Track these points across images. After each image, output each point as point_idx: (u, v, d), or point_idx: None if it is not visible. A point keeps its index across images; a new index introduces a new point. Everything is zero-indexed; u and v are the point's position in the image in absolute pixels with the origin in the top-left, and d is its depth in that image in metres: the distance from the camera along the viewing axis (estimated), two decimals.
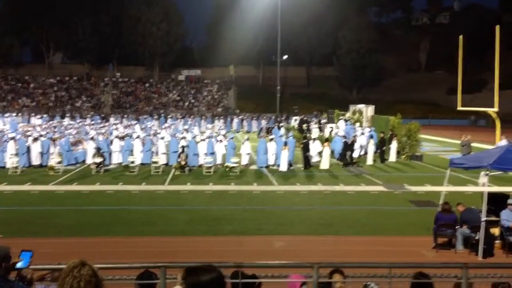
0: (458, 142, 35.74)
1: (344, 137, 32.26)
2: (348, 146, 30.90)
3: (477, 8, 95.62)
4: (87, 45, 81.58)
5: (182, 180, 24.77)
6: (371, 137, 32.97)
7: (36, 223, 16.55)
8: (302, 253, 13.46)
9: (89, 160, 28.63)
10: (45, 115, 56.91)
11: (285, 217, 17.87)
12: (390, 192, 22.65)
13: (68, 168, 27.63)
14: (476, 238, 13.55)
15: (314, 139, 31.83)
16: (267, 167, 28.75)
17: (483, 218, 13.50)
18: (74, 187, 22.85)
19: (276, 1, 61.29)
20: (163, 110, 70.25)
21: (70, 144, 29.92)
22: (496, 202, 14.71)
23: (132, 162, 27.39)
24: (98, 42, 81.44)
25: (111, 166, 28.49)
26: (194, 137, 31.65)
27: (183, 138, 30.37)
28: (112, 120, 53.54)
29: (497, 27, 28.45)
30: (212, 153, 28.43)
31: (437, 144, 45.14)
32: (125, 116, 61.28)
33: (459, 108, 31.28)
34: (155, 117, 59.44)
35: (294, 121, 52.65)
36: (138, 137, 30.67)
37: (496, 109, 29.84)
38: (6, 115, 53.52)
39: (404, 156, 33.26)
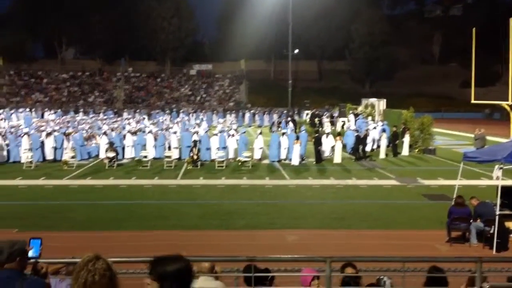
0: (472, 135, 35.45)
1: (357, 131, 32.15)
2: (361, 140, 30.79)
3: (490, 0, 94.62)
4: (99, 40, 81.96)
5: (194, 175, 24.83)
6: (384, 131, 32.82)
7: (50, 217, 16.69)
8: (314, 247, 13.45)
9: (102, 154, 28.81)
10: (58, 110, 57.32)
11: (297, 211, 17.85)
12: (403, 186, 22.55)
13: (82, 162, 27.81)
14: (491, 232, 13.45)
15: (328, 134, 31.74)
16: (279, 161, 28.73)
17: (497, 211, 13.40)
18: (88, 181, 23.00)
19: None
20: (175, 105, 70.42)
21: (83, 139, 30.13)
22: (510, 195, 14.57)
23: (145, 157, 27.51)
24: (110, 37, 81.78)
25: (124, 161, 28.65)
26: (207, 131, 31.72)
27: (196, 132, 30.45)
28: (125, 115, 53.82)
29: (511, 19, 28.14)
30: (224, 148, 28.47)
31: (450, 137, 44.83)
32: (138, 111, 61.55)
33: (473, 101, 31.03)
34: (167, 111, 59.62)
35: (306, 115, 52.58)
36: (150, 132, 30.79)
37: (510, 102, 29.54)
38: (20, 110, 54.00)
39: (417, 150, 33.07)
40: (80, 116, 49.89)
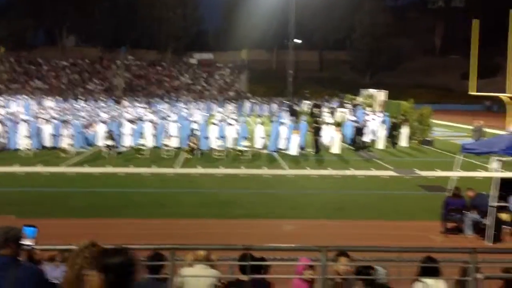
0: (470, 127, 35.48)
1: (356, 121, 32.14)
2: (359, 131, 30.80)
3: None
4: (101, 28, 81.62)
5: (193, 163, 24.86)
6: (384, 122, 32.83)
7: (47, 204, 16.74)
8: (311, 237, 13.50)
9: (100, 142, 28.80)
10: (58, 98, 57.18)
11: (295, 201, 17.91)
12: (400, 177, 22.60)
13: (80, 150, 27.82)
14: (486, 223, 13.50)
15: (328, 124, 31.74)
16: (277, 151, 28.74)
17: (493, 203, 13.45)
18: (85, 169, 23.02)
19: None
20: (175, 94, 70.29)
21: (83, 127, 30.13)
22: (507, 187, 14.61)
23: (143, 145, 27.52)
24: (111, 25, 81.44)
25: (122, 149, 28.65)
26: (206, 120, 31.71)
27: (195, 121, 30.40)
28: (125, 103, 53.68)
29: (511, 11, 28.09)
30: (223, 137, 28.46)
31: (448, 129, 44.82)
32: (137, 99, 61.43)
33: (471, 92, 31.03)
34: (166, 100, 59.51)
35: (306, 106, 52.57)
36: (149, 120, 30.76)
37: (509, 94, 29.57)
38: (19, 97, 53.89)
39: (415, 141, 33.10)
40: (80, 103, 49.76)
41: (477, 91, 32.80)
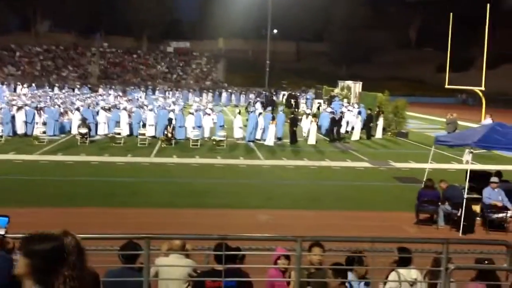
0: (444, 120, 35.94)
1: (332, 113, 32.29)
2: (335, 122, 30.95)
3: None
4: (74, 13, 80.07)
5: (168, 153, 24.72)
6: (359, 113, 33.06)
7: (19, 192, 16.49)
8: (286, 227, 13.55)
9: (75, 130, 28.43)
10: (32, 85, 56.22)
11: (271, 191, 17.96)
12: (375, 168, 22.82)
13: (53, 138, 27.42)
14: (458, 214, 13.72)
15: (308, 115, 31.82)
16: (253, 141, 28.75)
17: (465, 195, 13.67)
18: (59, 157, 22.71)
19: None
20: (150, 82, 69.71)
21: (59, 114, 29.72)
22: (479, 179, 14.87)
23: (119, 134, 27.25)
24: (85, 10, 79.99)
25: (96, 137, 28.34)
26: (181, 109, 31.52)
27: (172, 110, 30.22)
28: (100, 91, 53.05)
29: (488, 5, 28.43)
30: (199, 127, 28.35)
31: (423, 121, 45.38)
32: (113, 87, 60.75)
33: (447, 86, 31.40)
34: (142, 89, 59.00)
35: (282, 96, 52.64)
36: (124, 108, 30.46)
37: (482, 87, 30.00)
38: None
39: (390, 133, 33.42)
40: (55, 91, 49.05)
41: (452, 84, 33.19)
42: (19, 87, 53.04)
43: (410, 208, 14.69)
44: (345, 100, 40.13)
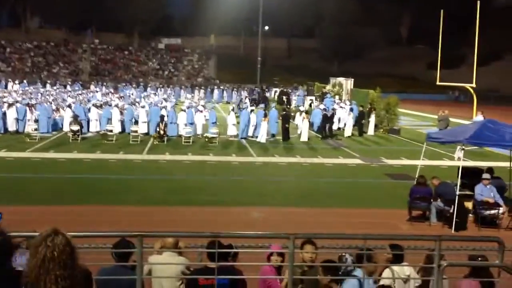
0: (436, 116, 36.09)
1: (324, 109, 32.31)
2: (328, 119, 30.98)
3: None
4: (65, 9, 79.62)
5: (160, 150, 24.66)
6: (351, 110, 33.12)
7: (11, 190, 16.37)
8: (279, 224, 13.56)
9: (66, 127, 28.29)
10: (24, 81, 55.89)
11: (262, 188, 17.96)
12: (367, 165, 22.88)
13: (45, 135, 27.27)
14: (450, 211, 13.77)
15: (301, 112, 31.81)
16: (246, 138, 28.73)
17: (457, 192, 13.73)
18: (51, 154, 22.60)
19: None
20: (142, 79, 69.49)
21: (52, 111, 29.58)
22: (470, 176, 14.94)
23: (110, 131, 27.15)
24: (76, 6, 79.55)
25: (88, 134, 28.22)
26: (173, 106, 31.44)
27: (164, 107, 30.14)
28: (92, 87, 52.84)
29: (478, 2, 28.55)
30: (192, 124, 28.29)
31: (415, 118, 45.55)
32: (104, 84, 60.53)
33: (438, 83, 31.52)
34: (134, 85, 58.82)
35: (274, 93, 52.71)
36: (116, 105, 30.34)
37: (473, 84, 30.13)
38: None
39: (382, 130, 33.52)
40: (47, 87, 48.78)
41: (443, 81, 33.34)
42: (10, 84, 52.72)
43: (403, 205, 14.73)
44: (337, 97, 40.18)
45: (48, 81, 57.82)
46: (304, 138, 29.11)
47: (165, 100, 37.14)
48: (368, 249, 6.94)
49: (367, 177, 20.46)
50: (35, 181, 17.81)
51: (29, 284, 3.32)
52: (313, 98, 41.44)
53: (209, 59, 79.32)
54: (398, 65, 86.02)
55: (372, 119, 32.78)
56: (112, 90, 48.94)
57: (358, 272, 6.61)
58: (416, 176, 15.20)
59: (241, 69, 77.56)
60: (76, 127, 26.59)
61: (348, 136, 31.32)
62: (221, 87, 62.64)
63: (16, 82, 53.79)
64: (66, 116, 28.92)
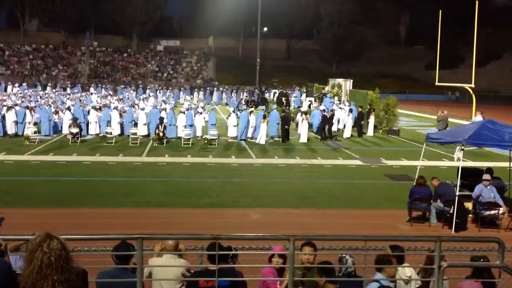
0: (435, 117, 36.10)
1: (324, 110, 32.31)
2: (327, 120, 30.97)
3: None
4: (63, 12, 79.74)
5: (160, 152, 24.65)
6: (351, 111, 33.12)
7: (11, 193, 16.36)
8: (278, 225, 13.56)
9: (66, 130, 28.28)
10: (23, 84, 55.86)
11: (262, 190, 17.94)
12: (366, 166, 22.87)
13: (44, 138, 27.25)
14: (450, 212, 13.78)
15: (302, 113, 31.81)
16: (245, 140, 28.73)
17: (457, 192, 13.73)
18: (50, 157, 22.58)
19: None
20: (141, 81, 69.48)
21: (53, 113, 29.58)
22: (470, 176, 14.95)
23: (110, 133, 27.14)
24: (74, 8, 79.67)
25: (88, 137, 28.21)
26: (172, 108, 31.44)
27: (163, 109, 30.14)
28: (92, 90, 52.85)
29: (476, 3, 28.57)
30: (191, 125, 28.28)
31: (414, 119, 45.56)
32: (104, 86, 60.52)
33: (437, 83, 31.53)
34: (133, 88, 58.80)
35: (273, 95, 52.75)
36: (115, 107, 30.32)
37: (472, 85, 30.15)
38: None
39: (381, 131, 33.52)
40: (47, 90, 48.77)
41: (442, 82, 33.36)
42: (9, 87, 52.71)
43: (402, 205, 14.74)
44: (336, 98, 40.21)
45: (49, 84, 57.81)
46: (303, 139, 29.11)
47: (164, 102, 37.13)
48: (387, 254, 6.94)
49: (366, 178, 20.45)
50: (35, 184, 17.80)
51: None
52: (312, 99, 41.44)
53: (208, 61, 79.32)
54: (397, 66, 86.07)
55: (371, 120, 32.78)
56: (111, 92, 48.94)
57: (379, 276, 6.60)
58: (416, 177, 15.21)
59: (240, 70, 77.58)
60: (75, 130, 26.58)
61: (348, 137, 31.33)
62: (220, 89, 62.62)
63: (16, 85, 53.77)
64: (65, 118, 28.90)
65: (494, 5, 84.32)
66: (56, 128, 29.40)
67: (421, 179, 14.64)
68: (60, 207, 14.97)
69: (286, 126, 29.24)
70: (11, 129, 27.71)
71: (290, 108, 40.03)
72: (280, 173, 20.92)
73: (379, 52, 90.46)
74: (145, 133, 28.25)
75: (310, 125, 31.32)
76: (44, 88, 52.90)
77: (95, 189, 17.31)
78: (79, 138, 26.53)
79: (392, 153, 26.30)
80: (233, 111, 30.37)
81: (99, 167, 21.07)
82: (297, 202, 16.45)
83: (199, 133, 28.67)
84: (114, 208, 15.00)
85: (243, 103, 47.43)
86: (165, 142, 26.65)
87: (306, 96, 43.15)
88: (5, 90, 51.12)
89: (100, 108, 30.38)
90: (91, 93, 45.50)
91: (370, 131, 32.72)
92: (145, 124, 28.62)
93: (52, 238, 3.38)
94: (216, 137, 27.09)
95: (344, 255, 6.96)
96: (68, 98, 37.97)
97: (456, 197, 13.66)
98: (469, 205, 14.40)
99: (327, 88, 45.02)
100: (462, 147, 14.41)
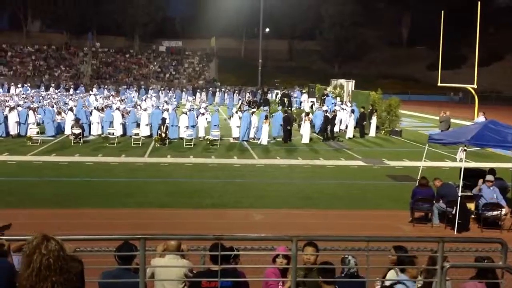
0: (437, 118, 36.06)
1: (326, 111, 32.30)
2: (329, 121, 30.96)
3: None
4: (66, 13, 79.90)
5: (162, 153, 24.67)
6: (353, 112, 33.11)
7: (14, 194, 16.39)
8: (281, 226, 13.56)
9: (68, 131, 28.31)
10: (26, 85, 55.97)
11: (265, 190, 17.94)
12: (369, 167, 22.86)
13: (47, 138, 27.29)
14: (452, 212, 13.76)
15: (307, 113, 31.79)
16: (247, 140, 28.73)
17: (459, 193, 13.71)
18: (53, 158, 22.61)
19: None
20: (143, 82, 69.56)
21: (56, 114, 29.64)
22: (473, 177, 14.93)
23: (112, 134, 27.17)
24: (77, 9, 79.82)
25: (90, 138, 28.24)
26: (174, 109, 31.46)
27: (165, 110, 30.17)
28: (94, 91, 52.92)
29: (478, 3, 28.53)
30: (193, 126, 28.30)
31: (416, 119, 45.52)
32: (106, 87, 60.60)
33: (439, 84, 31.49)
34: (135, 88, 58.86)
35: (276, 95, 52.77)
36: (118, 108, 30.36)
37: (474, 85, 30.10)
38: None
39: (383, 131, 33.50)
40: (50, 91, 48.86)
41: (444, 82, 33.32)
42: (12, 88, 52.82)
43: (405, 206, 14.72)
44: (338, 99, 40.20)
45: (52, 85, 57.92)
46: (305, 140, 29.10)
47: (166, 102, 37.17)
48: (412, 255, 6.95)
49: (368, 178, 20.43)
50: (37, 185, 17.82)
51: None
52: (314, 100, 41.45)
53: (210, 62, 79.36)
54: (399, 67, 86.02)
55: (374, 121, 32.76)
56: (113, 93, 49.00)
57: (403, 277, 6.59)
58: (418, 178, 15.19)
59: (242, 71, 77.61)
60: (77, 130, 26.61)
61: (350, 138, 31.31)
62: (223, 90, 62.64)
63: (19, 85, 53.87)
64: (68, 119, 28.93)
65: (496, 5, 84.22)
66: (59, 129, 29.44)
67: (423, 179, 14.62)
68: (63, 207, 14.99)
69: (288, 127, 29.24)
70: (13, 129, 27.76)
71: (292, 109, 40.02)
72: (282, 174, 20.91)
73: (381, 53, 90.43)
74: (148, 133, 28.27)
75: (312, 126, 31.30)
76: (46, 89, 52.95)
77: (97, 190, 17.33)
78: (82, 139, 26.57)
79: (394, 153, 26.27)
80: (236, 112, 30.36)
81: (101, 167, 21.09)
82: (299, 202, 16.44)
83: (201, 133, 28.68)
84: (117, 209, 15.02)
85: (245, 103, 47.47)
86: (167, 142, 26.66)
87: (308, 97, 43.15)
88: (8, 90, 51.24)
89: (102, 109, 30.41)
90: (90, 94, 45.56)
91: (372, 132, 32.70)
92: (147, 125, 28.64)
93: (49, 240, 3.36)
94: (218, 138, 27.09)
95: (346, 256, 6.95)
96: (70, 99, 38.01)
97: (459, 198, 13.64)
98: (471, 205, 14.38)
99: (329, 89, 45.03)
100: (465, 148, 14.41)
